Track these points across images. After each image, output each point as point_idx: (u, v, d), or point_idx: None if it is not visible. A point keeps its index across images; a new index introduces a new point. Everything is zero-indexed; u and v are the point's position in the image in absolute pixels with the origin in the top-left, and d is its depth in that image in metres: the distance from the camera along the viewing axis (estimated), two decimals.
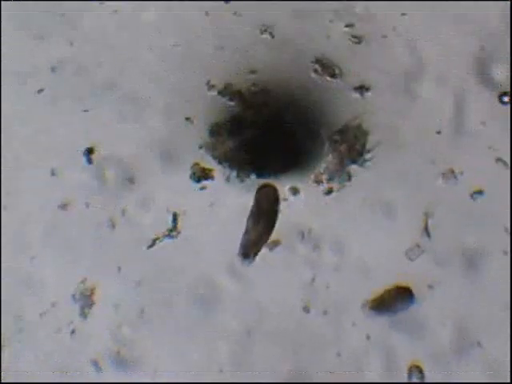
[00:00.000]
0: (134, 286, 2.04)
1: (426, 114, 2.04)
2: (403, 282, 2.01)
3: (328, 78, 2.01)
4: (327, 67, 2.01)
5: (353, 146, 2.01)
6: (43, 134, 2.06)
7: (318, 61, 2.01)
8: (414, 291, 2.00)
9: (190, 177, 2.03)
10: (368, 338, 2.02)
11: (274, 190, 1.97)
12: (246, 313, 2.03)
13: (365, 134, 2.01)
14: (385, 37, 2.05)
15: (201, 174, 2.03)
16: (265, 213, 1.96)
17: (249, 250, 1.95)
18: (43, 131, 2.06)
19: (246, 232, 1.95)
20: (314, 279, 2.03)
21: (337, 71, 2.02)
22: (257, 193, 1.96)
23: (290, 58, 2.05)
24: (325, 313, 2.03)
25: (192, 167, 2.03)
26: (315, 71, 2.01)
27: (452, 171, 2.04)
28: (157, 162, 2.05)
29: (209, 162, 2.02)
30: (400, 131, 2.04)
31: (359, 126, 2.01)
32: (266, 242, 1.97)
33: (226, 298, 2.03)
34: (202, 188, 2.04)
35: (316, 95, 2.04)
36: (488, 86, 2.05)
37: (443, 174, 2.04)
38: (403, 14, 2.05)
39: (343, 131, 2.01)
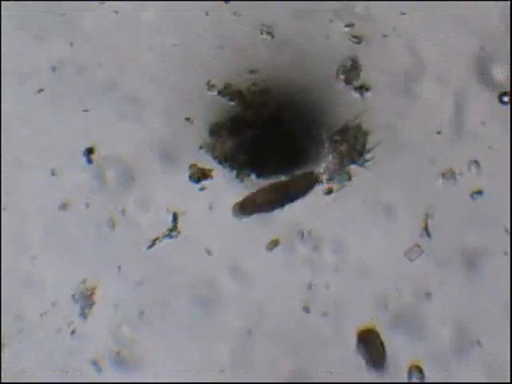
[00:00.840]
0: (134, 286, 2.04)
1: (425, 114, 2.04)
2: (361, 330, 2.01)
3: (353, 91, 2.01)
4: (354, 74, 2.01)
5: (353, 146, 2.01)
6: (43, 134, 2.06)
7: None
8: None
9: (189, 178, 2.03)
10: None
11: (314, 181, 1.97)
12: (246, 313, 2.03)
13: (365, 134, 2.01)
14: (385, 37, 2.05)
15: (199, 175, 2.03)
16: (290, 193, 1.95)
17: (248, 207, 1.94)
18: (43, 131, 2.06)
19: (258, 192, 1.94)
20: (312, 283, 2.03)
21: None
22: (302, 176, 1.96)
23: (290, 58, 2.05)
24: (325, 313, 2.03)
25: (190, 168, 2.03)
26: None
27: (452, 171, 2.04)
28: (157, 162, 2.05)
29: (208, 162, 2.02)
30: (400, 131, 2.04)
31: (359, 126, 2.01)
32: (265, 210, 1.96)
33: (226, 298, 2.03)
34: (202, 188, 2.04)
35: (316, 95, 2.04)
36: (488, 86, 2.05)
37: (443, 174, 2.04)
38: (403, 14, 2.05)
39: (343, 131, 2.01)
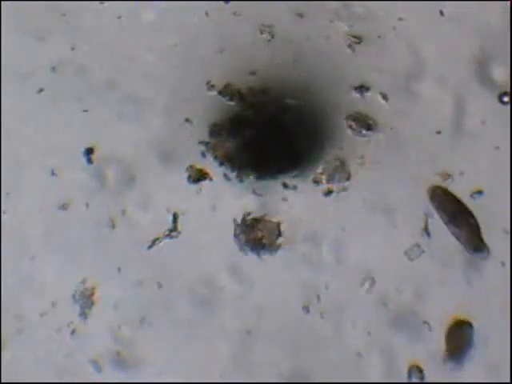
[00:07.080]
0: (134, 287, 2.04)
1: (425, 114, 2.04)
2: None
3: (364, 131, 2.02)
4: (361, 121, 2.02)
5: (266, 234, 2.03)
6: (43, 134, 2.06)
7: (350, 117, 2.02)
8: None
9: (188, 179, 2.03)
10: (368, 337, 2.02)
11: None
12: (246, 313, 2.03)
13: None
14: (384, 37, 2.05)
15: (197, 176, 2.03)
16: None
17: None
18: (43, 131, 2.06)
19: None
20: (318, 296, 2.03)
21: (371, 122, 2.02)
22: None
23: (290, 58, 2.05)
24: (324, 313, 2.03)
25: (187, 170, 2.03)
26: (350, 127, 2.01)
27: (451, 171, 2.04)
28: (157, 162, 2.05)
29: (208, 163, 2.02)
30: (400, 131, 2.04)
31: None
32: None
33: (226, 298, 2.03)
34: (201, 189, 2.04)
35: (316, 95, 2.04)
36: (488, 86, 2.05)
37: (443, 174, 2.04)
38: (401, 19, 2.05)
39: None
